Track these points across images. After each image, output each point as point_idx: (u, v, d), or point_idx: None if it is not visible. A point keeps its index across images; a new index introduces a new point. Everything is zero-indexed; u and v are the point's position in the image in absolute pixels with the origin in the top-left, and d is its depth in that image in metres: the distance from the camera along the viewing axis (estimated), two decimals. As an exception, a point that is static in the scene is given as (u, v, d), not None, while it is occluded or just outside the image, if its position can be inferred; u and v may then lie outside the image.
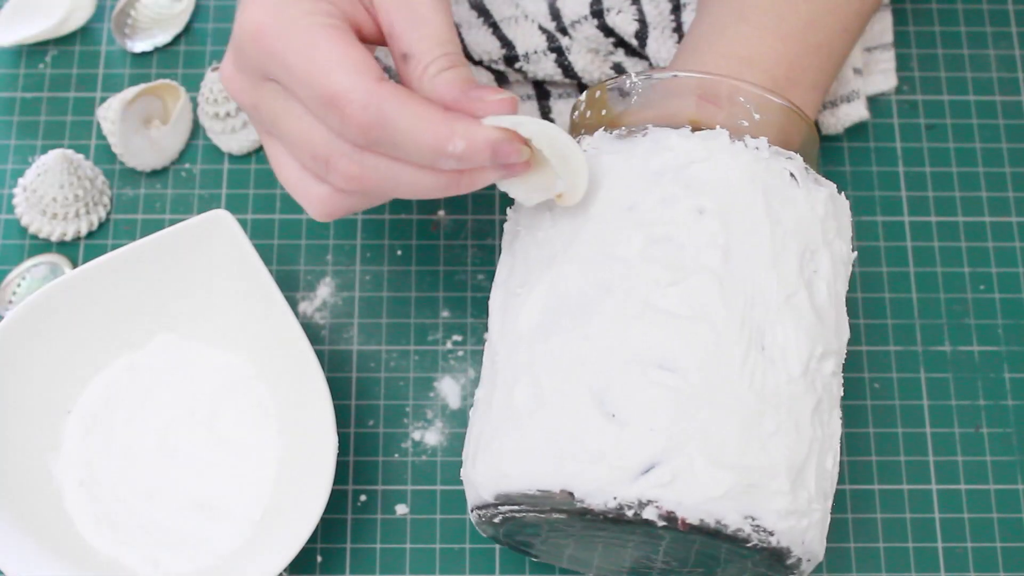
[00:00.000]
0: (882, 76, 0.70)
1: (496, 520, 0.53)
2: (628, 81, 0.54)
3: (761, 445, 0.49)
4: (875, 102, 0.70)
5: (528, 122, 0.49)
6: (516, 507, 0.51)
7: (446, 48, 0.50)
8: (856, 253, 0.56)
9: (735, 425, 0.49)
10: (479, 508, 0.53)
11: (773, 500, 0.49)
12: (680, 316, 0.49)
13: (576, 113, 0.56)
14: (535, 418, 0.50)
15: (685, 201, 0.51)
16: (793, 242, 0.51)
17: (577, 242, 0.52)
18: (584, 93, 0.57)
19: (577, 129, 0.56)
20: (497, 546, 0.61)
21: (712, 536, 0.49)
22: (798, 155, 0.53)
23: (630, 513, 0.48)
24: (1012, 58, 0.71)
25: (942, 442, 0.63)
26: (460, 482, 0.62)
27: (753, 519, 0.49)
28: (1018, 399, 0.64)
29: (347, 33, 0.50)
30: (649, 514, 0.48)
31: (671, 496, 0.48)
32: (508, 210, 0.56)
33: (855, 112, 0.67)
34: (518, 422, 0.51)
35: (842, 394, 0.53)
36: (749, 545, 0.49)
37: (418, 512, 0.62)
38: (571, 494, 0.49)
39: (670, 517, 0.48)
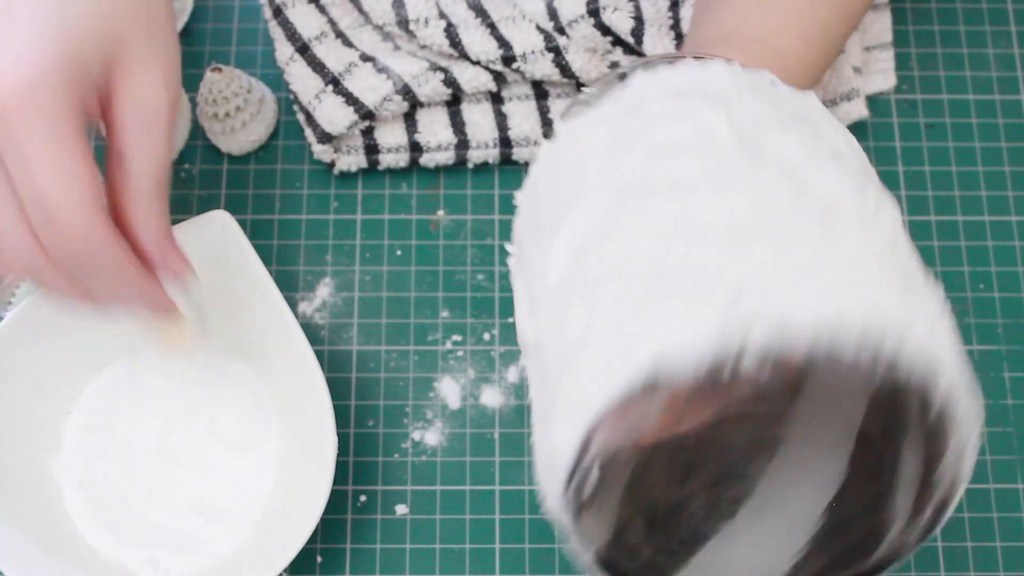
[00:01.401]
0: (881, 75, 0.70)
1: (586, 493, 0.43)
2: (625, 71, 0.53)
3: (827, 236, 0.42)
4: (874, 101, 0.70)
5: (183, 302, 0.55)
6: (609, 436, 0.42)
7: (164, 177, 0.52)
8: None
9: (791, 240, 0.42)
10: (563, 492, 0.43)
11: (881, 278, 0.42)
12: (705, 181, 0.44)
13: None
14: (591, 338, 0.43)
15: (698, 105, 0.47)
16: (806, 125, 0.47)
17: (586, 187, 0.47)
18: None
19: None
20: (497, 546, 0.61)
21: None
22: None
23: (727, 369, 0.40)
24: (1011, 57, 0.71)
25: (942, 441, 0.63)
26: (460, 482, 0.62)
27: (874, 306, 0.41)
28: (1018, 398, 0.64)
29: (85, 139, 0.49)
30: (750, 361, 0.40)
31: (770, 313, 0.40)
32: (507, 245, 0.54)
33: (854, 111, 0.67)
34: (580, 352, 0.43)
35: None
36: (885, 365, 0.40)
37: (418, 512, 0.62)
38: (653, 382, 0.40)
39: (769, 353, 0.40)
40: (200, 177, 0.68)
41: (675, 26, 0.65)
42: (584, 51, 0.65)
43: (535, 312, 0.48)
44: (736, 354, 0.40)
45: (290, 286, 0.66)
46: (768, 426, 0.43)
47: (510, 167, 0.68)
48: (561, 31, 0.65)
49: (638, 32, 0.64)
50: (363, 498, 0.62)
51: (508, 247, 0.53)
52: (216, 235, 0.60)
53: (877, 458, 0.44)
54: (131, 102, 0.51)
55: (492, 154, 0.67)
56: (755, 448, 0.43)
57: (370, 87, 0.65)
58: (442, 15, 0.66)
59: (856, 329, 0.41)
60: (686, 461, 0.43)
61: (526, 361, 0.49)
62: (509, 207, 0.68)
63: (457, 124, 0.67)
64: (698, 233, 0.43)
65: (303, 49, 0.67)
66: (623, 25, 0.64)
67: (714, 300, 0.41)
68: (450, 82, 0.66)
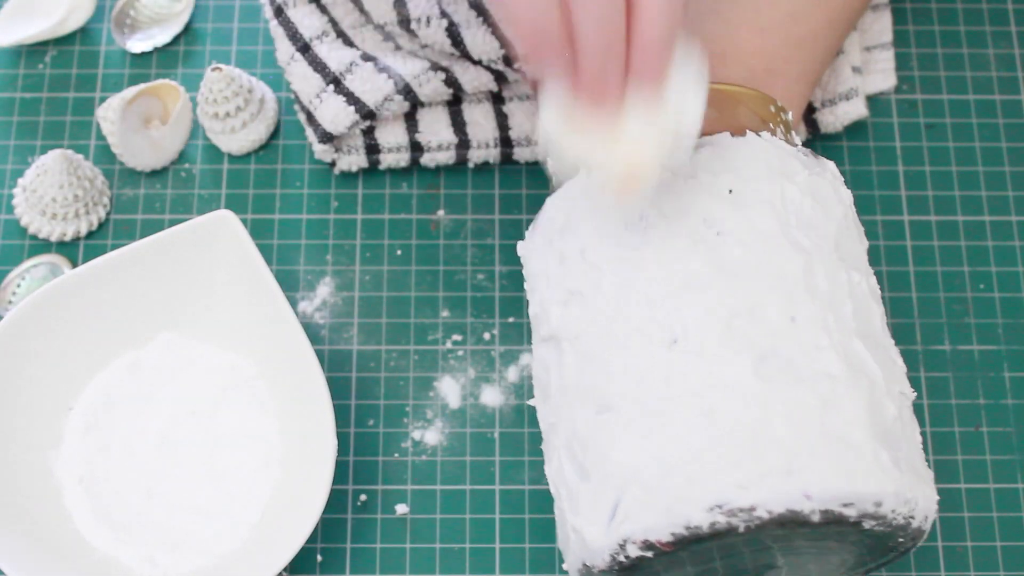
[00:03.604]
0: (881, 75, 0.70)
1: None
2: None
3: (687, 432, 0.47)
4: (874, 101, 0.70)
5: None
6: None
7: None
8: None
9: (661, 433, 0.48)
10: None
11: (729, 472, 0.46)
12: (594, 355, 0.50)
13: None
14: (557, 505, 0.52)
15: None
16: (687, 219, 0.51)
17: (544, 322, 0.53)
18: None
19: None
20: (497, 546, 0.61)
21: (692, 541, 0.47)
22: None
23: (622, 558, 0.48)
24: (1011, 57, 0.71)
25: (942, 441, 0.63)
26: (460, 481, 0.62)
27: (719, 506, 0.46)
28: (1018, 398, 0.64)
29: None
30: (633, 551, 0.48)
31: (635, 527, 0.47)
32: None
33: (854, 110, 0.67)
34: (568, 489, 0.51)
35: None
36: (741, 531, 0.47)
37: (418, 512, 0.62)
38: (587, 566, 0.50)
39: (648, 545, 0.47)
40: (200, 177, 0.68)
41: (676, 26, 0.65)
42: (585, 51, 0.65)
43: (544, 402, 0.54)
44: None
45: (290, 285, 0.66)
46: None
47: (511, 167, 0.68)
48: (562, 31, 0.65)
49: (639, 32, 0.64)
50: (363, 498, 0.62)
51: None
52: (220, 235, 0.61)
53: None
54: None
55: (493, 154, 0.67)
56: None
57: (371, 87, 0.65)
58: (444, 14, 0.66)
59: (705, 528, 0.47)
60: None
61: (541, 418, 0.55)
62: (509, 207, 0.68)
63: (458, 124, 0.67)
64: (593, 420, 0.50)
65: (304, 49, 0.67)
66: (624, 25, 0.64)
67: (600, 514, 0.49)
68: (451, 82, 0.66)
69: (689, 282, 0.49)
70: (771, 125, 0.54)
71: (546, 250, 0.53)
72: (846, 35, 0.60)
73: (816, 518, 0.46)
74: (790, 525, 0.46)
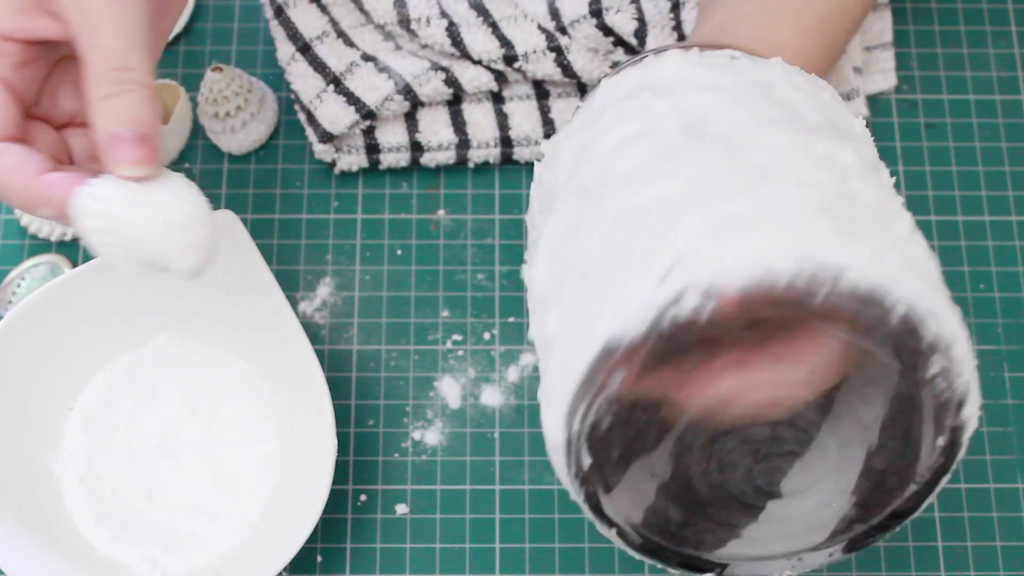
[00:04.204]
0: (881, 75, 0.70)
1: (584, 457, 0.45)
2: (643, 56, 0.53)
3: (772, 200, 0.43)
4: (875, 101, 0.70)
5: (119, 203, 0.50)
6: (587, 408, 0.43)
7: (117, 63, 0.49)
8: (862, 119, 0.51)
9: (735, 200, 0.43)
10: (567, 463, 0.45)
11: (820, 235, 0.42)
12: (649, 166, 0.45)
13: None
14: (564, 327, 0.45)
15: (647, 97, 0.49)
16: (752, 88, 0.48)
17: (569, 185, 0.49)
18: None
19: None
20: (497, 546, 0.61)
21: (776, 305, 0.41)
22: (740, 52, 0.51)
23: (668, 317, 0.41)
24: (1011, 57, 0.71)
25: (942, 441, 0.63)
26: (461, 481, 0.62)
27: (808, 258, 0.41)
28: (1018, 398, 0.64)
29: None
30: (691, 300, 0.41)
31: (703, 272, 0.41)
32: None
33: (854, 110, 0.67)
34: (550, 349, 0.46)
35: (902, 204, 0.47)
36: (824, 295, 0.41)
37: (418, 512, 0.62)
38: (610, 346, 0.42)
39: (710, 293, 0.41)
40: (201, 176, 0.68)
41: (677, 27, 0.65)
42: (586, 51, 0.65)
43: (532, 323, 0.49)
44: (672, 314, 0.42)
45: (290, 285, 0.66)
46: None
47: (511, 167, 0.68)
48: (563, 31, 0.65)
49: (641, 33, 0.64)
50: (363, 498, 0.62)
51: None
52: (221, 235, 0.60)
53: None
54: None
55: (493, 154, 0.67)
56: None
57: (371, 87, 0.65)
58: (444, 14, 0.66)
59: (784, 279, 0.41)
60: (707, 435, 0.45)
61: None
62: (510, 207, 0.68)
63: (458, 124, 0.67)
64: (639, 215, 0.44)
65: (304, 49, 0.67)
66: (625, 26, 0.64)
67: (649, 279, 0.42)
68: (451, 82, 0.66)
69: (771, 121, 0.46)
70: None
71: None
72: (855, 27, 0.60)
73: (898, 312, 0.42)
74: (859, 325, 0.42)
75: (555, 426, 0.44)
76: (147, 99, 0.50)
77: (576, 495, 0.46)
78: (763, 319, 0.42)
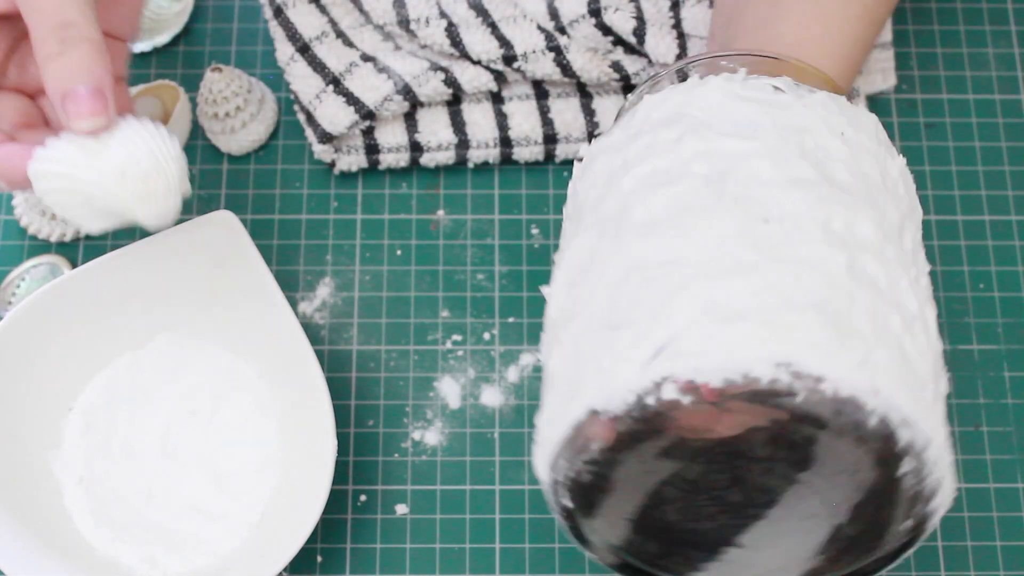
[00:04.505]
0: (881, 75, 0.70)
1: (564, 500, 0.47)
2: (690, 66, 0.54)
3: (770, 288, 0.44)
4: (874, 101, 0.70)
5: (69, 164, 0.50)
6: (568, 463, 0.46)
7: (57, 20, 0.50)
8: (902, 158, 0.52)
9: (735, 282, 0.44)
10: (560, 509, 0.48)
11: (807, 336, 0.43)
12: (663, 221, 0.46)
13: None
14: (563, 372, 0.47)
15: (669, 126, 0.49)
16: (788, 135, 0.48)
17: (596, 209, 0.50)
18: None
19: None
20: (497, 546, 0.61)
21: (752, 400, 0.43)
22: (787, 79, 0.51)
23: (651, 401, 0.43)
24: (1011, 56, 0.71)
25: (942, 441, 0.63)
26: (460, 481, 0.62)
27: (788, 364, 0.42)
28: (1018, 398, 0.64)
29: None
30: (668, 393, 0.43)
31: (685, 365, 0.43)
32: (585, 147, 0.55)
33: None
34: (551, 384, 0.48)
35: (922, 271, 0.48)
36: (799, 401, 0.42)
37: (418, 512, 0.62)
38: (595, 411, 0.44)
39: (691, 388, 0.43)
40: (200, 177, 0.68)
41: (676, 26, 0.65)
42: (585, 51, 0.65)
43: (543, 344, 0.51)
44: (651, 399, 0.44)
45: (290, 286, 0.66)
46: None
47: (510, 167, 0.68)
48: (562, 31, 0.65)
49: (640, 32, 0.64)
50: (363, 498, 0.62)
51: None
52: (220, 235, 0.61)
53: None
54: None
55: (492, 154, 0.67)
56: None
57: (371, 87, 0.65)
58: (443, 15, 0.66)
59: (763, 383, 0.43)
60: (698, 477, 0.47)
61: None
62: (509, 207, 0.68)
63: (457, 124, 0.67)
64: (645, 279, 0.46)
65: (304, 49, 0.67)
66: (624, 25, 0.64)
67: (637, 358, 0.44)
68: (451, 82, 0.66)
69: (796, 180, 0.47)
70: None
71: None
72: (877, 36, 0.60)
73: (872, 422, 0.43)
74: (834, 427, 0.43)
75: (542, 467, 0.47)
76: (92, 52, 0.50)
77: (561, 525, 0.49)
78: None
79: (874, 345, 0.44)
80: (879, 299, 0.45)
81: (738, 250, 0.45)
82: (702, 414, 0.44)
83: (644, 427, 0.44)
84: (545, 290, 0.51)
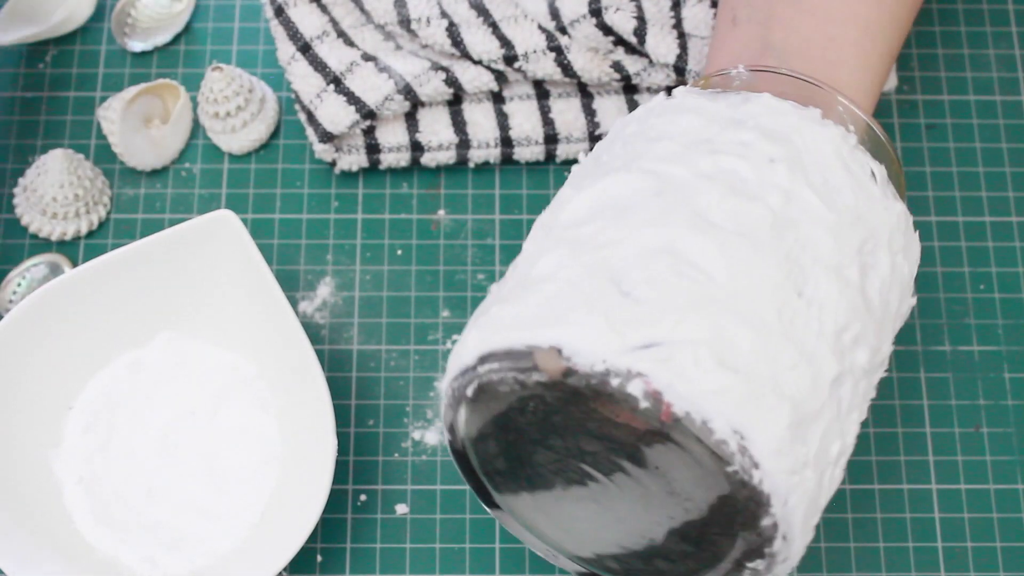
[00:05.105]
0: (882, 76, 0.70)
1: (467, 392, 0.48)
2: (734, 71, 0.53)
3: (772, 369, 0.45)
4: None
5: None
6: (495, 367, 0.47)
7: None
8: (915, 300, 0.53)
9: (750, 336, 0.45)
10: (455, 378, 0.49)
11: (768, 427, 0.44)
12: (725, 229, 0.47)
13: None
14: (547, 284, 0.47)
15: (761, 147, 0.49)
16: (859, 225, 0.49)
17: (642, 158, 0.50)
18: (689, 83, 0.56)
19: None
20: (497, 546, 0.61)
21: (694, 443, 0.44)
22: (883, 167, 0.52)
23: (615, 383, 0.45)
24: (1012, 58, 0.71)
25: (942, 442, 0.63)
26: (461, 481, 0.62)
27: (742, 437, 0.44)
28: (1018, 399, 0.64)
29: None
30: (634, 388, 0.44)
31: (664, 375, 0.44)
32: (581, 155, 0.55)
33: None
34: (528, 288, 0.48)
35: (866, 408, 0.50)
36: (729, 470, 0.45)
37: (418, 512, 0.62)
38: (559, 351, 0.45)
39: (655, 397, 0.44)
40: (201, 176, 0.68)
41: (677, 25, 0.65)
42: (586, 51, 0.65)
43: (534, 237, 0.51)
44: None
45: (291, 285, 0.66)
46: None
47: (511, 167, 0.68)
48: (563, 31, 0.65)
49: (640, 32, 0.64)
50: (363, 498, 0.62)
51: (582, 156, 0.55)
52: (220, 235, 0.61)
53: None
54: None
55: (493, 154, 0.67)
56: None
57: (371, 86, 0.65)
58: (444, 14, 0.66)
59: (729, 447, 0.45)
60: (557, 423, 0.48)
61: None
62: (510, 207, 0.68)
63: (458, 123, 0.67)
64: (678, 268, 0.47)
65: (304, 48, 0.67)
66: (625, 25, 0.64)
67: (633, 337, 0.45)
68: (451, 82, 0.66)
69: (842, 274, 0.48)
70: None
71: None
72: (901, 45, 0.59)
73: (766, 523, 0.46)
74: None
75: (474, 346, 0.48)
76: None
77: (445, 391, 0.50)
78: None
79: (810, 463, 0.46)
80: (836, 422, 0.47)
81: (765, 308, 0.46)
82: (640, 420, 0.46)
83: (593, 392, 0.46)
84: (580, 178, 0.52)
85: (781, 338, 0.46)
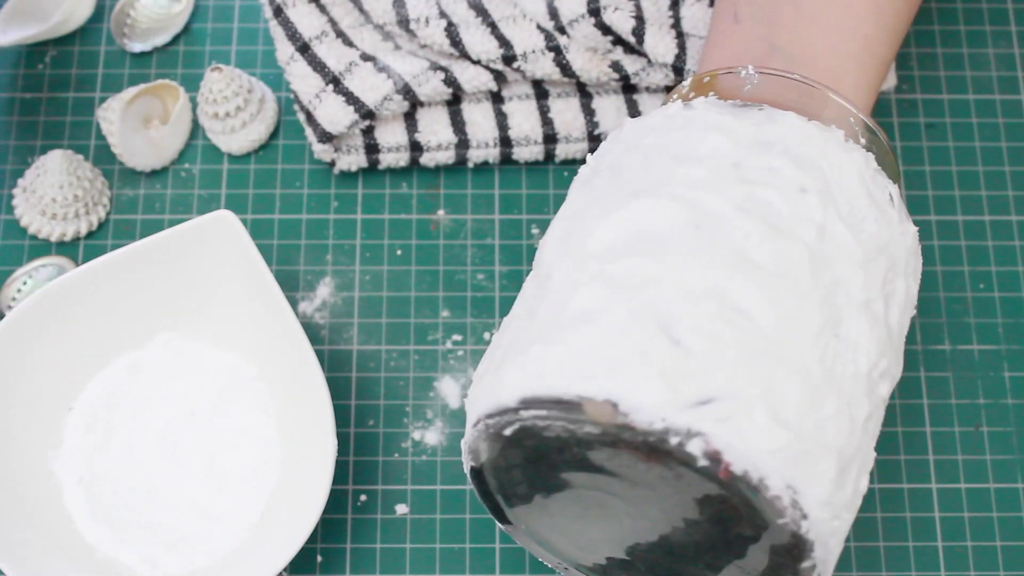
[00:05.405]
0: (881, 75, 0.70)
1: (505, 432, 0.47)
2: (743, 71, 0.53)
3: (818, 420, 0.45)
4: (875, 101, 0.70)
5: None
6: (541, 414, 0.46)
7: None
8: (915, 311, 0.54)
9: (799, 388, 0.45)
10: (491, 416, 0.47)
11: (818, 481, 0.45)
12: (766, 270, 0.47)
13: (677, 96, 0.55)
14: (591, 327, 0.46)
15: (790, 174, 0.49)
16: (883, 257, 0.49)
17: (671, 182, 0.49)
18: (689, 78, 0.56)
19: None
20: (497, 546, 0.61)
21: (746, 497, 0.45)
22: (896, 185, 0.52)
23: (674, 441, 0.44)
24: (1011, 57, 0.71)
25: (942, 441, 0.63)
26: (461, 481, 0.62)
27: (795, 492, 0.45)
28: (1018, 398, 0.64)
29: None
30: (694, 448, 0.44)
31: (723, 434, 0.44)
32: (589, 156, 0.55)
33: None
34: (569, 329, 0.46)
35: (877, 435, 0.51)
36: (780, 522, 0.45)
37: (418, 512, 0.62)
38: (615, 405, 0.45)
39: (714, 457, 0.44)
40: (200, 177, 0.68)
41: (676, 25, 0.65)
42: (585, 50, 0.65)
43: (559, 264, 0.50)
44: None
45: (290, 286, 0.66)
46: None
47: (510, 167, 0.68)
48: (562, 30, 0.65)
49: (639, 31, 0.64)
50: (363, 498, 0.62)
51: (589, 159, 0.54)
52: (220, 235, 0.61)
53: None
54: None
55: (492, 154, 0.67)
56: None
57: (370, 86, 0.65)
58: (443, 14, 0.66)
59: (785, 501, 0.45)
60: (595, 461, 0.48)
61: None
62: (509, 207, 0.68)
63: (457, 123, 0.67)
64: (724, 312, 0.47)
65: (303, 49, 0.67)
66: (624, 25, 0.64)
67: (673, 388, 0.45)
68: (450, 81, 0.66)
69: (871, 309, 0.49)
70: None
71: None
72: (898, 48, 0.59)
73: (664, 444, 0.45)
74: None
75: (514, 388, 0.47)
76: None
77: (475, 422, 0.50)
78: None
79: (847, 506, 0.47)
80: (866, 459, 0.48)
81: (808, 355, 0.46)
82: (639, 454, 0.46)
83: (649, 448, 0.46)
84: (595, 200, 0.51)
85: (824, 384, 0.46)
